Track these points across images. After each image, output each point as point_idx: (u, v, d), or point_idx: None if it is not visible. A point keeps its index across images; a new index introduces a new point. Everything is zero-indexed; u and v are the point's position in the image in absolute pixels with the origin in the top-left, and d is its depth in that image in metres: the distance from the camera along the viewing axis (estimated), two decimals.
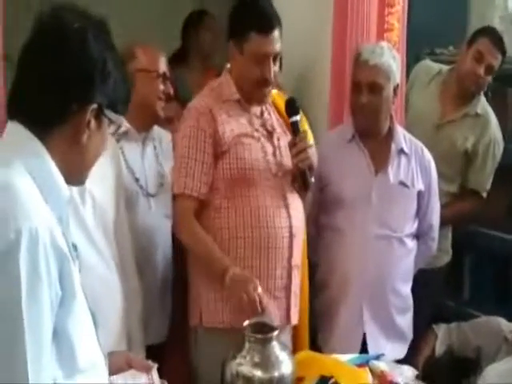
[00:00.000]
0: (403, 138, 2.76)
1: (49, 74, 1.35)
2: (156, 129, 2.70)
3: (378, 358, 2.23)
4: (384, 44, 2.75)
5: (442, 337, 3.12)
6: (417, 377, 2.29)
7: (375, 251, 2.67)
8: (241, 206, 2.35)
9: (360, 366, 2.12)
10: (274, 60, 2.36)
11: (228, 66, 2.48)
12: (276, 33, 2.34)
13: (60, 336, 1.31)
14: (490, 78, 3.28)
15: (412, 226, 2.77)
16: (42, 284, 1.26)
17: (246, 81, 2.38)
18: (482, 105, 3.35)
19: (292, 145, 2.40)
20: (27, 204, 1.29)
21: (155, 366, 1.72)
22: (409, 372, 2.31)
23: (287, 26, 2.42)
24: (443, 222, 3.24)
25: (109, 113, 1.41)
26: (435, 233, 2.89)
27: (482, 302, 3.71)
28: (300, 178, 2.42)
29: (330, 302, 2.73)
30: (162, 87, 2.54)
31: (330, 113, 2.93)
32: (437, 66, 3.34)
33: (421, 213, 2.79)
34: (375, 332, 2.71)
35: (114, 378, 1.61)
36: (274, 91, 2.54)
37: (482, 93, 3.35)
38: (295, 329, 2.52)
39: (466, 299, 3.86)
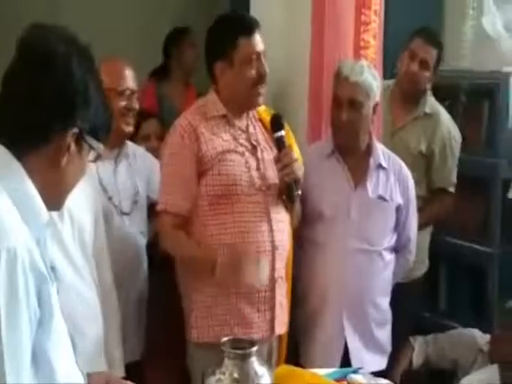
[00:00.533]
0: (382, 153, 2.81)
1: (31, 96, 1.36)
2: (130, 145, 2.71)
3: (356, 371, 2.25)
4: (364, 63, 2.79)
5: (419, 349, 3.17)
6: None
7: (354, 265, 2.71)
8: (223, 223, 2.40)
9: (338, 380, 2.13)
10: (264, 58, 2.44)
11: (212, 88, 2.51)
12: (258, 32, 2.43)
13: (39, 357, 1.31)
14: (428, 74, 3.32)
15: (390, 240, 2.81)
16: (20, 304, 1.26)
17: (243, 85, 2.42)
18: (431, 104, 3.40)
19: (277, 160, 2.44)
20: (6, 223, 1.29)
21: None
22: None
23: (264, 41, 2.46)
24: (420, 228, 3.30)
25: (89, 139, 1.42)
26: (413, 246, 2.94)
27: (459, 313, 3.75)
28: (286, 192, 2.46)
29: (310, 315, 2.76)
30: (123, 103, 2.53)
31: (308, 130, 2.96)
32: (385, 83, 3.38)
33: (399, 227, 2.84)
34: (357, 344, 2.74)
35: None
36: (262, 107, 2.57)
37: (428, 92, 3.39)
38: (280, 338, 2.58)
39: (443, 310, 3.90)
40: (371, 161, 2.77)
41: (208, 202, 2.42)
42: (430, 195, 3.40)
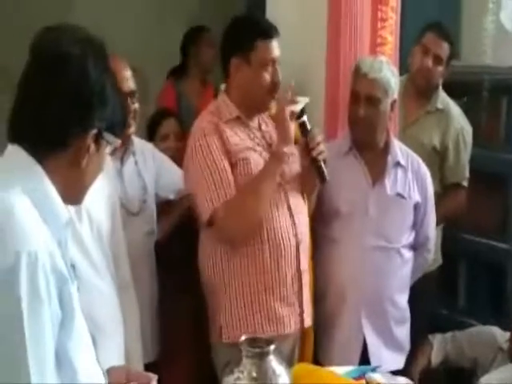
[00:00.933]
0: (399, 151, 2.80)
1: (47, 100, 1.36)
2: (137, 142, 2.68)
3: (374, 370, 2.25)
4: (383, 59, 2.79)
5: (438, 347, 3.15)
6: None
7: (372, 262, 2.70)
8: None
9: (357, 378, 2.14)
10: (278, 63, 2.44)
11: (223, 86, 2.51)
12: (277, 37, 2.43)
13: (61, 358, 1.32)
14: (441, 69, 3.31)
15: (408, 238, 2.80)
16: (43, 305, 1.27)
17: (258, 90, 2.42)
18: (442, 99, 3.39)
19: (304, 144, 2.46)
20: (27, 227, 1.30)
21: (155, 377, 1.72)
22: (404, 382, 2.32)
23: (280, 43, 2.46)
24: (436, 224, 3.29)
25: (107, 135, 1.43)
26: (431, 245, 2.93)
27: (477, 311, 3.74)
28: (318, 172, 2.47)
29: (328, 314, 2.75)
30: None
31: (324, 129, 2.96)
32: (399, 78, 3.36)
33: (417, 225, 2.83)
34: (376, 342, 2.74)
35: None
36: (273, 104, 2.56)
37: (440, 88, 3.38)
38: (303, 333, 2.61)
39: (461, 308, 3.89)
40: (389, 158, 2.76)
41: None
42: (443, 191, 3.39)
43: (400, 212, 2.77)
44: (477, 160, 3.43)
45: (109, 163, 2.37)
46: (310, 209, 2.62)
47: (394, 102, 2.74)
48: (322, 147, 2.46)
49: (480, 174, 3.44)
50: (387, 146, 2.79)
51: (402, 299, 2.82)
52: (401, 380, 2.30)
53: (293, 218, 2.47)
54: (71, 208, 2.10)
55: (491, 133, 3.76)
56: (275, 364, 1.92)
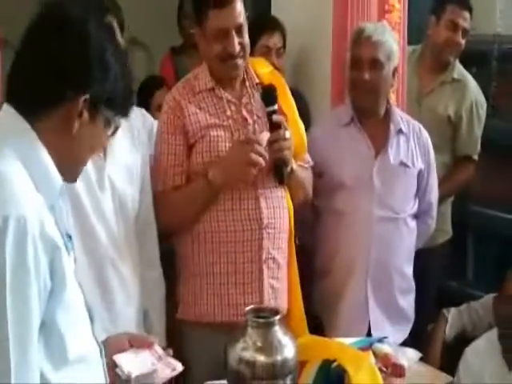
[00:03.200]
0: (400, 118, 2.76)
1: (46, 57, 1.34)
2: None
3: (381, 340, 2.22)
4: (385, 23, 2.74)
5: (452, 321, 3.11)
6: (420, 359, 2.30)
7: (378, 233, 2.67)
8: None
9: (363, 349, 2.11)
10: (239, 32, 2.30)
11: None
12: (235, 5, 2.28)
13: (49, 327, 1.30)
14: (464, 40, 3.29)
15: (413, 206, 2.77)
16: (28, 275, 1.24)
17: (212, 59, 2.33)
18: (458, 70, 3.37)
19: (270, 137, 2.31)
20: (17, 191, 1.27)
21: (156, 339, 1.70)
22: (413, 354, 2.31)
23: (288, 13, 2.40)
24: (443, 196, 3.28)
25: (105, 110, 1.38)
26: (434, 211, 2.90)
27: (486, 283, 3.70)
28: (274, 171, 2.34)
29: (333, 287, 2.72)
30: None
31: (332, 95, 2.91)
32: (410, 48, 3.30)
33: (420, 192, 2.80)
34: (379, 316, 2.71)
35: (117, 356, 1.59)
36: (266, 69, 2.48)
37: (457, 59, 3.36)
38: (288, 318, 2.42)
39: (470, 280, 3.87)
40: (391, 126, 2.72)
41: (196, 178, 2.34)
42: (453, 162, 3.36)
43: (404, 181, 2.73)
44: (486, 131, 3.39)
45: (140, 135, 2.32)
46: (294, 194, 2.48)
47: (395, 69, 2.70)
48: (279, 146, 2.30)
49: (490, 144, 3.40)
50: (388, 115, 2.74)
51: (409, 269, 2.80)
52: (408, 351, 2.28)
53: (258, 201, 2.33)
54: (93, 174, 2.08)
55: (501, 103, 3.71)
56: (281, 334, 1.91)
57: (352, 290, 2.69)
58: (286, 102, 2.45)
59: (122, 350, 1.62)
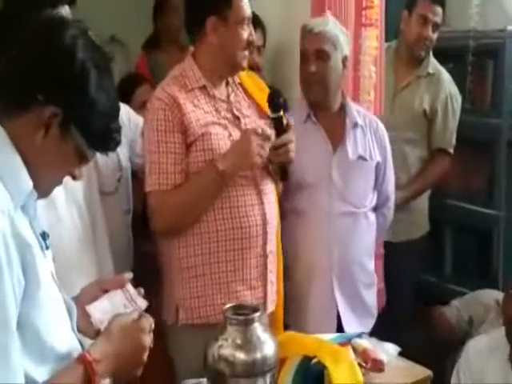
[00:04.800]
0: (356, 112, 2.76)
1: (25, 58, 1.35)
2: None
3: (360, 336, 2.23)
4: (329, 16, 2.74)
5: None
6: (399, 354, 2.30)
7: (340, 229, 2.68)
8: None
9: (342, 344, 2.11)
10: (249, 24, 2.36)
11: (191, 49, 2.41)
12: None
13: (24, 325, 1.29)
14: (436, 35, 3.33)
15: (372, 200, 2.79)
16: (1, 272, 1.23)
17: (235, 48, 2.32)
18: (433, 64, 3.40)
19: (275, 142, 2.32)
20: None
21: (129, 276, 1.63)
22: (392, 349, 2.31)
23: (266, 10, 2.40)
24: (419, 191, 3.31)
25: (78, 136, 1.37)
26: (391, 202, 2.90)
27: (464, 277, 3.74)
28: (278, 171, 2.39)
29: (299, 286, 2.71)
30: None
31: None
32: (386, 44, 3.30)
33: (378, 184, 2.80)
34: (347, 310, 2.72)
35: (90, 306, 1.55)
36: (243, 72, 2.48)
37: (430, 53, 3.39)
38: (271, 315, 2.47)
39: (448, 274, 3.89)
40: (347, 120, 2.72)
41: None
42: (429, 156, 3.38)
43: (363, 175, 2.74)
44: (463, 126, 3.41)
45: None
46: (278, 192, 2.51)
47: (345, 58, 2.69)
48: (290, 147, 2.34)
49: (467, 139, 3.42)
50: (343, 109, 2.75)
51: (370, 262, 2.82)
52: (388, 346, 2.29)
53: (260, 197, 2.35)
54: None
55: (478, 98, 3.73)
56: (260, 331, 1.91)
57: (317, 287, 2.69)
58: (263, 100, 2.44)
59: (95, 299, 1.58)
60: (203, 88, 2.35)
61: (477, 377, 2.58)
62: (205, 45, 2.35)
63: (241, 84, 2.48)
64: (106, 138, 1.42)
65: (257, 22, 3.09)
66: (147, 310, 1.59)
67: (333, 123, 2.71)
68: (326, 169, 2.68)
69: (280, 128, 2.34)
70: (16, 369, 1.26)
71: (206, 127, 2.29)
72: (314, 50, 2.64)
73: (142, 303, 1.58)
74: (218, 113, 2.35)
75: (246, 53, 2.36)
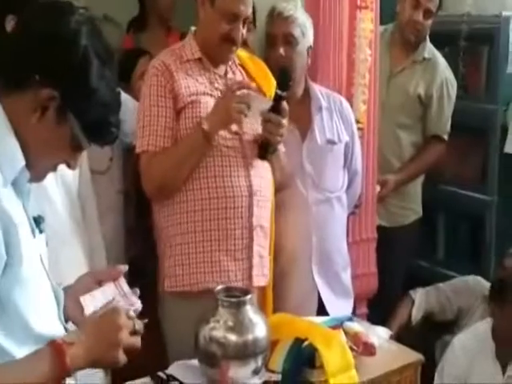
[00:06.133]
0: (320, 94, 2.73)
1: (30, 38, 1.34)
2: None
3: (351, 319, 2.23)
4: (298, 2, 2.72)
5: (420, 302, 3.13)
6: (391, 337, 2.31)
7: (317, 216, 2.67)
8: (197, 167, 2.31)
9: (334, 327, 2.12)
10: (244, 24, 2.33)
11: (193, 28, 2.43)
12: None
13: (5, 303, 1.29)
14: (430, 22, 3.31)
15: (344, 181, 2.78)
16: None
17: (213, 35, 2.32)
18: (429, 49, 3.38)
19: (268, 117, 2.31)
20: None
21: (124, 269, 1.61)
22: (383, 333, 2.32)
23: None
24: (413, 176, 3.30)
25: (74, 123, 1.35)
26: (359, 176, 2.87)
27: (456, 262, 3.74)
28: (259, 146, 2.36)
29: (280, 276, 2.64)
30: None
31: None
32: (382, 27, 3.29)
33: (347, 162, 2.79)
34: (328, 293, 2.73)
35: (84, 297, 1.54)
36: (245, 53, 2.49)
37: (427, 38, 3.38)
38: (261, 290, 2.45)
39: (440, 259, 3.89)
40: (312, 105, 2.70)
41: None
42: (423, 142, 3.38)
43: (334, 159, 2.73)
44: (457, 111, 3.40)
45: None
46: (273, 170, 2.47)
47: (310, 48, 2.67)
48: (274, 129, 2.31)
49: (460, 125, 3.41)
50: (307, 93, 2.72)
51: (344, 244, 2.83)
52: (379, 330, 2.29)
53: (248, 169, 2.35)
54: None
55: (472, 84, 3.73)
56: (252, 313, 1.91)
57: (299, 275, 2.67)
58: (268, 85, 2.45)
59: (89, 289, 1.57)
60: (198, 60, 2.38)
61: (463, 375, 2.58)
62: (199, 20, 2.38)
63: (242, 66, 2.48)
64: (103, 130, 1.40)
65: None
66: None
67: (298, 110, 2.65)
68: (298, 158, 2.64)
69: (277, 107, 2.32)
70: None
71: (197, 96, 2.32)
72: (283, 34, 2.61)
73: (137, 303, 1.58)
74: (212, 84, 2.37)
75: (230, 48, 2.34)
